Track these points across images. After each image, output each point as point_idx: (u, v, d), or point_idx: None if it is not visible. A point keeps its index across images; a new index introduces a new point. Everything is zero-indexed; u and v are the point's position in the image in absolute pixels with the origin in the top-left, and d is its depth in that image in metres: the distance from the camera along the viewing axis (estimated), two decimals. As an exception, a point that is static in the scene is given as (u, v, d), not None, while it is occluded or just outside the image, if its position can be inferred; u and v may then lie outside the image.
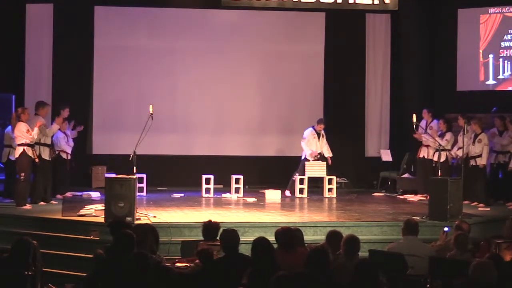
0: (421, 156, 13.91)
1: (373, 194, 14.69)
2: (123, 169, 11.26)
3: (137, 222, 9.84)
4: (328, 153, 14.34)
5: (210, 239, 7.68)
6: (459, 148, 12.98)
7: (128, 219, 9.64)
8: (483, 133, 12.92)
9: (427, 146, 13.79)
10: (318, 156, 14.26)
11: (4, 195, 12.67)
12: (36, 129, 11.94)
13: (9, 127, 12.39)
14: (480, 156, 12.87)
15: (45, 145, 12.57)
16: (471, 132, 13.04)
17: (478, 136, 12.91)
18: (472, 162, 12.93)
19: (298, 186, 13.88)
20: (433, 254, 7.77)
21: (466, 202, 12.72)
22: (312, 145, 14.24)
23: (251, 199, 13.30)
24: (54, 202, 12.44)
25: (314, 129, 14.32)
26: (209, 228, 7.81)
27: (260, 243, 6.43)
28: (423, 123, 13.81)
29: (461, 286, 5.79)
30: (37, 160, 12.02)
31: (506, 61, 15.32)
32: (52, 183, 12.77)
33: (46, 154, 12.57)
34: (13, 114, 12.17)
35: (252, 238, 6.79)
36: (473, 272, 5.63)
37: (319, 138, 14.33)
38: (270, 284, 5.27)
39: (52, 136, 12.75)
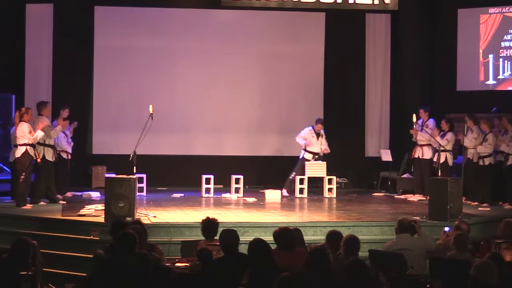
0: (416, 156, 13.92)
1: (373, 194, 14.69)
2: (123, 169, 11.26)
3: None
4: (326, 149, 14.28)
5: (210, 237, 7.68)
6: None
7: (128, 219, 9.62)
8: (490, 133, 12.93)
9: (421, 146, 13.81)
10: (317, 156, 14.27)
11: (12, 194, 12.62)
12: (39, 131, 11.93)
13: (14, 128, 12.36)
14: (488, 156, 12.90)
15: (48, 146, 12.58)
16: (477, 131, 13.06)
17: (486, 136, 12.93)
18: (480, 162, 12.95)
19: (298, 186, 13.88)
20: (427, 246, 7.85)
21: (474, 203, 12.80)
22: (313, 145, 14.23)
23: (251, 199, 13.30)
24: (62, 202, 12.43)
25: (314, 129, 14.32)
26: (208, 225, 7.81)
27: (255, 245, 6.43)
28: (419, 122, 13.78)
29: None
30: (39, 160, 12.02)
31: (506, 61, 15.31)
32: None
33: (49, 155, 12.59)
34: (16, 113, 12.15)
35: (252, 238, 6.80)
36: (475, 272, 5.64)
37: (318, 137, 14.34)
38: (273, 285, 5.28)
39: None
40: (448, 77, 15.82)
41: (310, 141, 14.25)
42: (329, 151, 14.34)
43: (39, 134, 11.96)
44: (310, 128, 14.32)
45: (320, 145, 14.29)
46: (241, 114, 15.92)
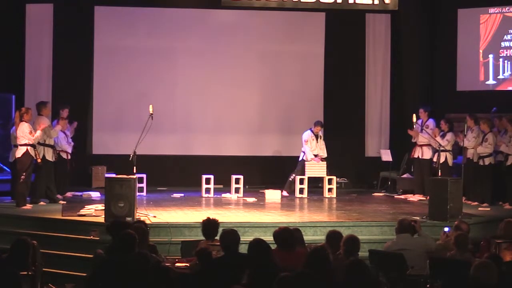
0: (415, 156, 13.92)
1: (373, 194, 14.68)
2: (123, 169, 11.27)
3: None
4: (323, 154, 14.32)
5: (210, 237, 7.67)
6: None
7: (128, 219, 9.63)
8: (490, 133, 12.93)
9: (421, 146, 13.81)
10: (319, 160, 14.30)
11: (12, 194, 12.61)
12: (39, 131, 11.94)
13: (14, 128, 12.35)
14: (488, 156, 12.89)
15: (48, 146, 12.59)
16: (477, 131, 13.05)
17: (486, 135, 12.92)
18: (480, 162, 12.94)
19: (298, 186, 13.89)
20: (427, 246, 7.86)
21: (474, 203, 12.79)
22: (312, 147, 14.25)
23: (251, 199, 13.30)
24: (62, 202, 12.42)
25: (312, 131, 14.33)
26: (209, 225, 7.80)
27: (255, 245, 6.43)
28: (419, 122, 13.77)
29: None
30: (39, 160, 12.01)
31: (506, 61, 15.31)
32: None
33: (49, 155, 12.59)
34: (16, 113, 12.15)
35: (252, 238, 6.80)
36: (475, 272, 5.65)
37: (317, 140, 14.35)
38: (273, 285, 5.28)
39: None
40: (448, 77, 15.82)
41: (310, 144, 14.27)
42: (325, 155, 14.35)
43: (38, 134, 11.96)
44: (309, 131, 14.34)
45: (320, 147, 14.31)
46: (241, 114, 15.92)
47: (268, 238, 7.29)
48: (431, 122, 13.77)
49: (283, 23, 16.04)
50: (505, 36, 15.33)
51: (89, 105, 15.54)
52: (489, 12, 15.53)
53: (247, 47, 16.01)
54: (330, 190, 14.05)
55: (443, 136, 13.43)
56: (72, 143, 13.41)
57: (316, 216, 11.34)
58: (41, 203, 12.26)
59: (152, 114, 11.30)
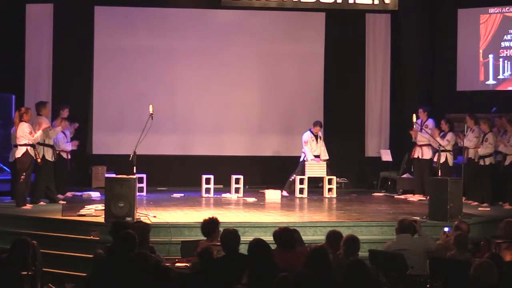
0: (415, 156, 13.92)
1: (373, 194, 14.68)
2: (123, 169, 11.27)
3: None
4: (324, 156, 14.34)
5: (209, 236, 7.67)
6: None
7: (128, 219, 9.63)
8: (490, 133, 12.93)
9: (421, 146, 13.81)
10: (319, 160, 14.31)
11: (12, 194, 12.61)
12: (39, 132, 11.94)
13: (14, 128, 12.34)
14: (488, 156, 12.90)
15: (48, 145, 12.59)
16: (478, 131, 13.06)
17: (486, 135, 12.93)
18: (481, 162, 12.94)
19: (298, 186, 13.89)
20: (427, 247, 7.86)
21: (474, 203, 12.78)
22: (313, 148, 14.26)
23: (251, 199, 13.30)
24: (62, 202, 12.42)
25: (311, 132, 14.33)
26: (207, 224, 7.78)
27: (255, 245, 6.43)
28: (418, 122, 13.76)
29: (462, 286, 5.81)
30: (39, 160, 12.01)
31: (506, 61, 15.31)
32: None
33: (49, 155, 12.59)
34: (16, 113, 12.15)
35: (252, 238, 6.80)
36: (475, 272, 5.65)
37: (317, 140, 14.36)
38: (273, 285, 5.28)
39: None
40: (448, 77, 15.82)
41: (310, 145, 14.27)
42: (327, 157, 14.36)
43: (39, 134, 11.97)
44: (309, 131, 14.34)
45: (319, 148, 14.31)
46: (241, 114, 15.92)
47: (268, 238, 7.29)
48: (430, 122, 13.77)
49: (283, 23, 16.04)
50: (505, 36, 15.33)
51: (89, 105, 15.54)
52: (489, 12, 15.53)
53: (247, 47, 16.01)
54: (330, 190, 14.05)
55: (443, 136, 13.43)
56: (70, 143, 13.34)
57: (316, 216, 11.34)
58: (41, 203, 12.26)
59: (152, 114, 11.30)
